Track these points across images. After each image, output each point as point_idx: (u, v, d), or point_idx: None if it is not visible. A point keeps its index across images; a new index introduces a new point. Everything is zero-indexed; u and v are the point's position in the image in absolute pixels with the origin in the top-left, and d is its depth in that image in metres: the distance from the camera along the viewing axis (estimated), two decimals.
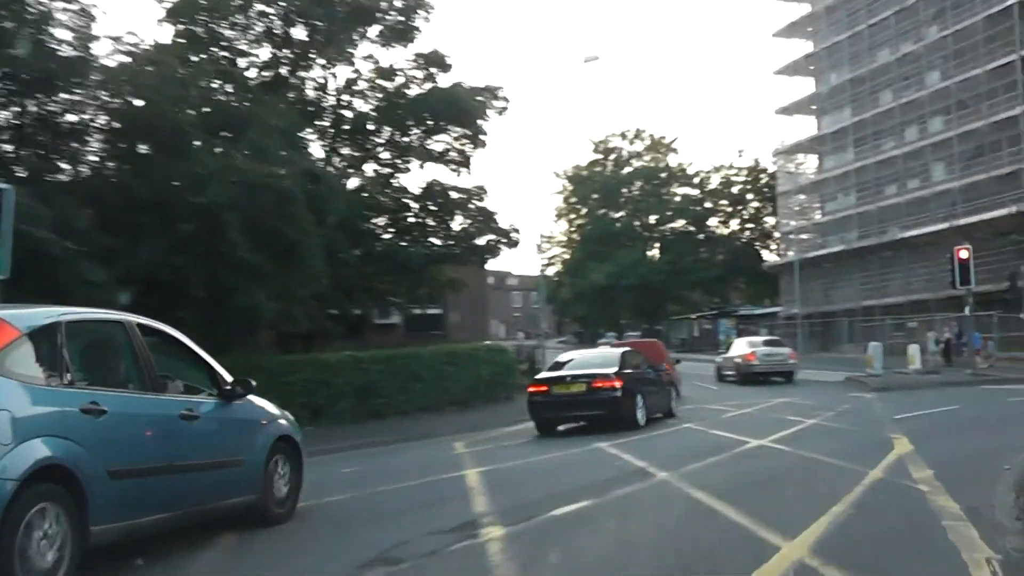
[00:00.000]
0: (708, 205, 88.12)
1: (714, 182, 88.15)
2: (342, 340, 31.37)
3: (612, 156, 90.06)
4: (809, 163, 71.80)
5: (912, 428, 16.38)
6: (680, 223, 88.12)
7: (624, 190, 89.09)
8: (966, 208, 53.76)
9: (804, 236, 70.00)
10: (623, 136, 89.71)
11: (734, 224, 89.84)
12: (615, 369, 18.82)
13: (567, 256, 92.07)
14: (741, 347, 38.56)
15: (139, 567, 7.19)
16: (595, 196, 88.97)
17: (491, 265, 41.71)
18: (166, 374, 7.89)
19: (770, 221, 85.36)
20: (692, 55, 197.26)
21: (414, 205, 33.19)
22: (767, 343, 39.16)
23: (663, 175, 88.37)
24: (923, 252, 57.32)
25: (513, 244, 33.93)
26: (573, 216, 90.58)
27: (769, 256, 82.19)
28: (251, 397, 8.86)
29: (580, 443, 16.80)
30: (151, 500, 7.14)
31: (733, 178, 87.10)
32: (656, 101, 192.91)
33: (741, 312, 72.60)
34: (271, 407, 9.36)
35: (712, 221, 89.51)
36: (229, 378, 8.55)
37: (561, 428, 19.28)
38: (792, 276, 66.68)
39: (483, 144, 32.51)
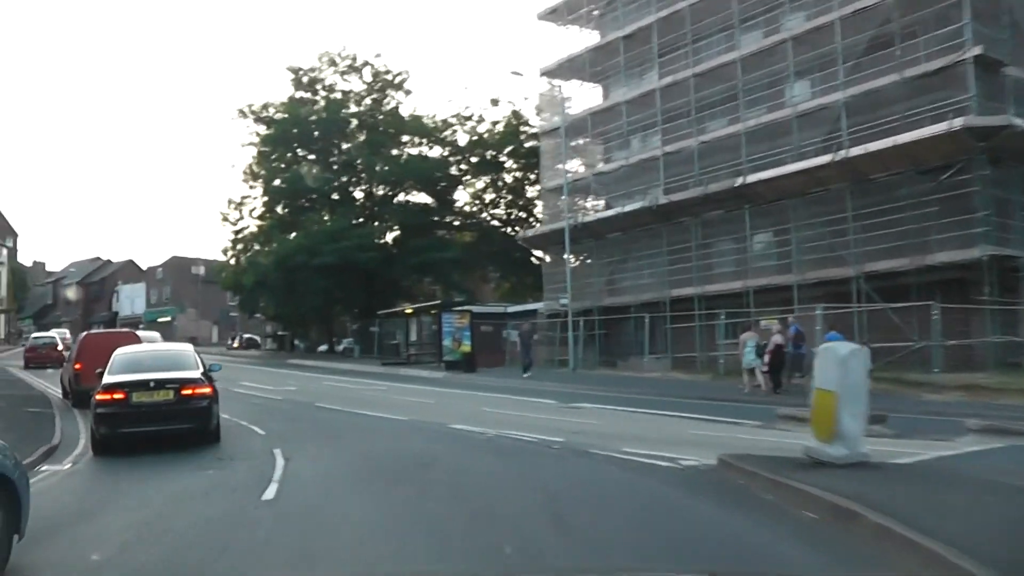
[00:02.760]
0: (453, 170, 64.48)
1: (462, 139, 64.65)
2: None
3: (321, 93, 65.57)
4: (590, 95, 48.96)
5: None
6: (411, 189, 64.86)
7: (337, 141, 65.11)
8: (860, 134, 32.49)
9: (587, 202, 47.55)
10: (333, 64, 65.23)
11: (486, 196, 66.76)
12: (200, 372, 16.49)
13: (257, 229, 66.92)
14: None
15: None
16: (297, 146, 64.42)
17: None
18: None
19: (533, 192, 63.29)
20: None
21: None
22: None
23: (391, 129, 64.26)
24: (779, 211, 35.79)
25: None
26: (270, 173, 64.90)
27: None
28: None
29: None
30: None
31: (484, 134, 63.54)
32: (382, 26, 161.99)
33: (478, 309, 48.64)
34: None
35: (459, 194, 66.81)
36: None
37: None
38: (557, 255, 44.66)
39: None
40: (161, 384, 15.60)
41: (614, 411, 22.23)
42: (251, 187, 66.60)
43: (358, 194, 66.65)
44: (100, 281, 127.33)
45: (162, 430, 15.34)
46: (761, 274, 36.43)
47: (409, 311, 50.37)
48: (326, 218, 61.92)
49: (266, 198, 65.30)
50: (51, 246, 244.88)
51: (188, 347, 19.29)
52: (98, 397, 15.58)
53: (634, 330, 40.99)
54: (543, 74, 48.54)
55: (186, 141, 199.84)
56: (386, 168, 61.73)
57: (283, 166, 64.04)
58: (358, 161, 63.75)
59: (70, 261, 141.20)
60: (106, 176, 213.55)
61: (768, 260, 37.02)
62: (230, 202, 68.20)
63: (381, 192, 65.98)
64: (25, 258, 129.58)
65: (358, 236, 58.16)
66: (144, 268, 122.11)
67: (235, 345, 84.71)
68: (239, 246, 66.80)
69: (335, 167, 64.73)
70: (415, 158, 62.68)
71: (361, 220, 63.05)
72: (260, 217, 66.75)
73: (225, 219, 67.78)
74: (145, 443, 15.13)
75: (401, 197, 65.90)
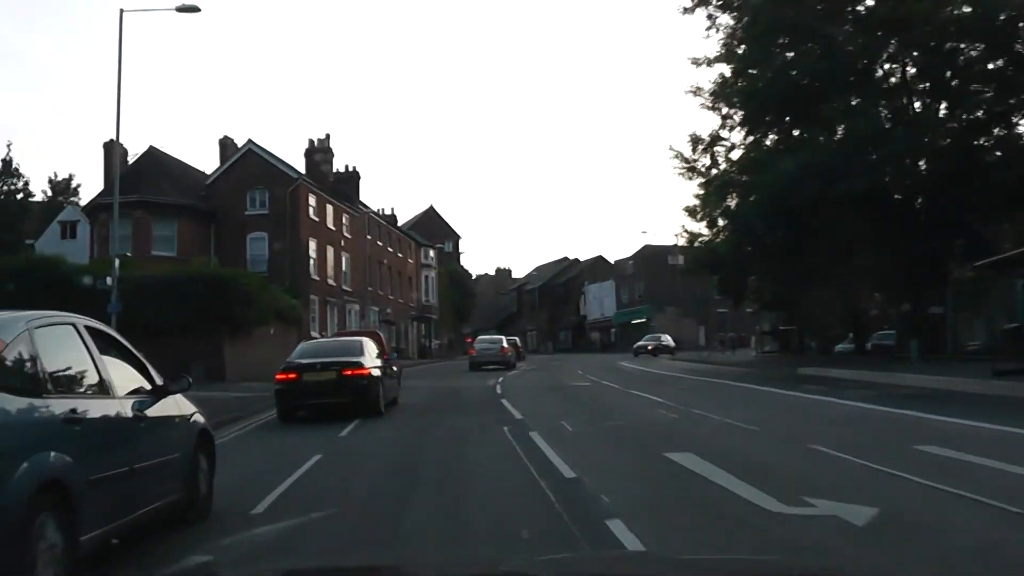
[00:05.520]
0: None
1: None
2: None
3: None
4: None
5: None
6: (976, 65, 38.34)
7: (848, 12, 40.43)
8: None
9: None
10: None
11: None
12: (365, 358, 19.61)
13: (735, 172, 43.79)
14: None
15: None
16: (784, 37, 40.44)
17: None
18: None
19: None
20: None
21: None
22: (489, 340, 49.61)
23: None
24: None
25: None
26: (744, 84, 41.65)
27: None
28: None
29: None
30: (120, 505, 6.90)
31: None
32: None
33: None
34: (188, 402, 8.90)
35: None
36: (158, 376, 8.18)
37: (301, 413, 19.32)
38: None
39: None
40: (326, 366, 19.04)
41: None
42: (722, 115, 43.70)
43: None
44: (565, 283, 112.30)
45: (327, 403, 18.76)
46: None
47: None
48: (838, 135, 37.38)
49: (745, 121, 42.12)
50: (520, 253, 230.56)
51: (361, 339, 22.12)
52: (277, 377, 19.35)
53: None
54: None
55: (651, 112, 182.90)
56: (931, 37, 35.93)
57: (767, 64, 40.27)
58: (886, 39, 38.74)
59: (535, 265, 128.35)
60: (569, 172, 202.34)
61: None
62: (695, 142, 44.80)
63: (926, 78, 40.18)
64: (487, 266, 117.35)
65: (905, 140, 33.07)
66: (613, 263, 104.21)
67: (650, 348, 64.31)
68: (711, 204, 43.98)
69: (848, 53, 39.93)
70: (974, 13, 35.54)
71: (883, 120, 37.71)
72: (738, 158, 43.74)
73: (690, 168, 45.15)
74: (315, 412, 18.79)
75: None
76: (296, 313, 44.31)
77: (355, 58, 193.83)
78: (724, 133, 44.34)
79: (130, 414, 7.20)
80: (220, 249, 46.63)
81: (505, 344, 47.42)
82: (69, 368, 6.76)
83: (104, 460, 6.61)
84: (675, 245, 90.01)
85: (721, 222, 44.41)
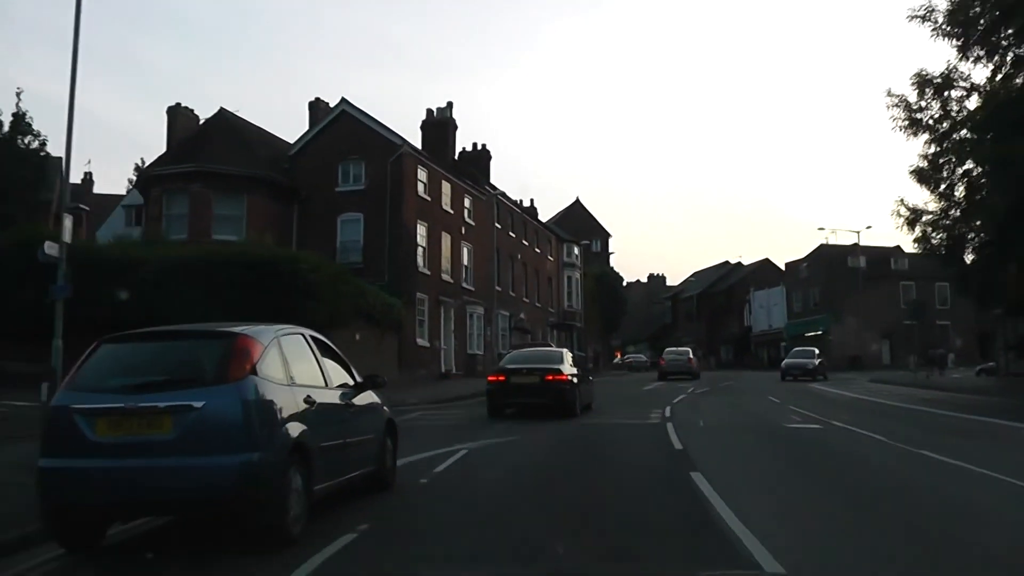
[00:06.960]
0: None
1: None
2: None
3: None
4: None
5: None
6: None
7: None
8: None
9: None
10: None
11: None
12: (564, 366, 22.31)
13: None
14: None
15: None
16: None
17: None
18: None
19: None
20: None
21: None
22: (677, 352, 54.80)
23: None
24: None
25: None
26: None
27: None
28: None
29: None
30: (337, 468, 9.29)
31: None
32: None
33: None
34: (377, 396, 11.16)
35: None
36: (358, 375, 10.64)
37: (508, 411, 22.14)
38: None
39: None
40: (531, 371, 22.14)
41: None
42: (961, 45, 32.65)
43: None
44: (726, 290, 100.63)
45: (529, 402, 21.61)
46: None
47: None
48: None
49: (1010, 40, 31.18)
50: (676, 258, 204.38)
51: (562, 349, 26.79)
52: (489, 378, 23.37)
53: None
54: None
55: (819, 96, 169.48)
56: None
57: None
58: None
59: (692, 271, 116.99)
60: (730, 166, 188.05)
61: None
62: (922, 84, 33.74)
63: None
64: (639, 272, 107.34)
65: None
66: (782, 267, 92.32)
67: (809, 369, 48.33)
68: (965, 155, 32.93)
69: None
70: None
71: None
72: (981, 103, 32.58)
73: (913, 120, 34.13)
74: (521, 408, 21.76)
75: None
76: (394, 314, 34.71)
77: (492, 45, 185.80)
78: (964, 67, 33.32)
79: (341, 402, 9.68)
80: (304, 233, 37.55)
81: (691, 356, 53.00)
82: (302, 365, 9.02)
83: (327, 433, 8.92)
84: (855, 244, 78.35)
85: (959, 191, 33.34)
